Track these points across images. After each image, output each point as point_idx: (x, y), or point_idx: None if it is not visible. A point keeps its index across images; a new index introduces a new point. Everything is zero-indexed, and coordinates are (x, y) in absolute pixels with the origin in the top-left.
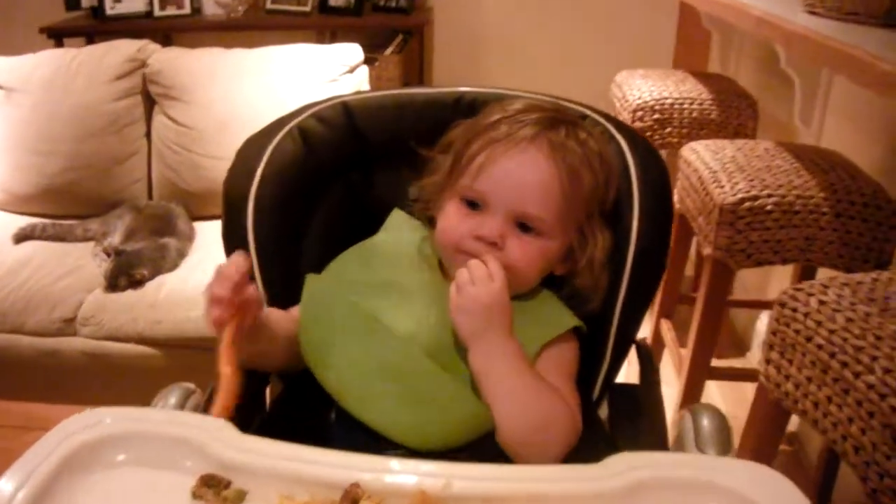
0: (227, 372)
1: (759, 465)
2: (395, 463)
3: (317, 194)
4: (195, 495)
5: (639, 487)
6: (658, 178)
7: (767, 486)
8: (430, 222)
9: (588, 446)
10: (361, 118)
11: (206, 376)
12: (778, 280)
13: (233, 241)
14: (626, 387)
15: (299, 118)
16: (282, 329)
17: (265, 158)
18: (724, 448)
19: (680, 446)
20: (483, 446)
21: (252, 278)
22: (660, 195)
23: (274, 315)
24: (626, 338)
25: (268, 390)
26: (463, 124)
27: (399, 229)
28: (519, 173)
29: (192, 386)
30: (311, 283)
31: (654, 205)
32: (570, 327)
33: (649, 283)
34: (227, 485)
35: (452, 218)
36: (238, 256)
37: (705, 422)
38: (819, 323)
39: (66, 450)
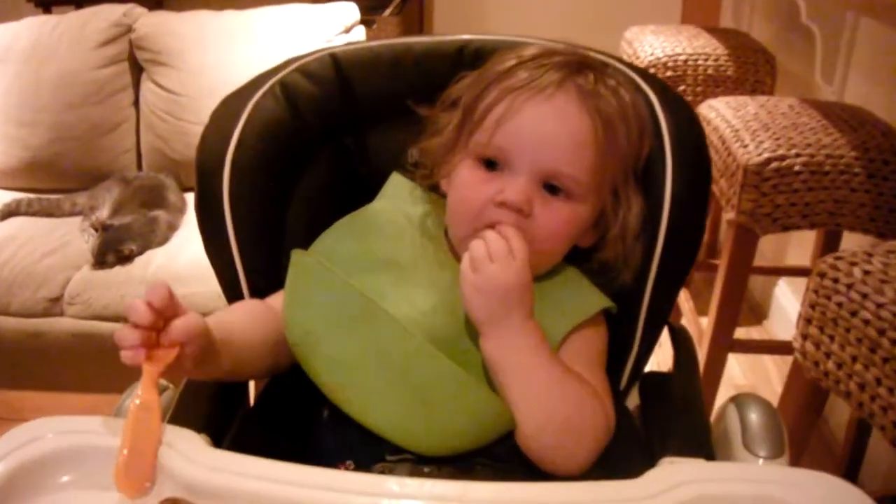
0: (137, 430)
1: (827, 476)
2: (394, 483)
3: (302, 159)
4: None
5: None
6: (692, 135)
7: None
8: (434, 190)
9: (617, 444)
10: (352, 72)
11: None
12: (796, 244)
13: (207, 212)
14: (658, 375)
15: (282, 73)
16: (256, 336)
17: (243, 119)
18: (778, 448)
19: (725, 446)
20: (500, 449)
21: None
22: (695, 154)
23: (244, 320)
24: (659, 318)
25: (251, 383)
26: (470, 76)
27: (398, 197)
28: (546, 125)
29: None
30: (297, 259)
31: (690, 165)
32: (600, 309)
33: (685, 253)
34: None
35: (468, 184)
36: (156, 290)
37: (753, 416)
38: (865, 295)
39: (2, 472)
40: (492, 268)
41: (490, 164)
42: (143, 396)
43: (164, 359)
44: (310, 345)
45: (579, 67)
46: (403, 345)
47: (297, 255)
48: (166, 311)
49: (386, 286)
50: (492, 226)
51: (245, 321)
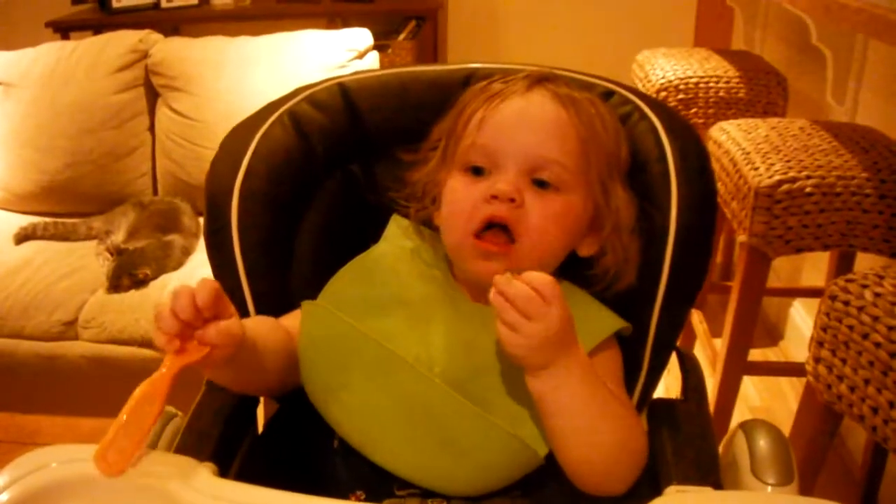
0: (139, 411)
1: None
2: None
3: (311, 188)
4: None
5: None
6: (697, 159)
7: None
8: (429, 225)
9: None
10: (361, 101)
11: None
12: (811, 265)
13: (216, 240)
14: (665, 402)
15: (291, 102)
16: (272, 346)
17: (252, 148)
18: (787, 476)
19: (734, 473)
20: (516, 489)
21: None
22: (700, 178)
23: (262, 329)
24: (667, 343)
25: (260, 410)
26: (446, 116)
27: (400, 238)
28: (526, 117)
29: (171, 409)
30: (308, 309)
31: (695, 189)
32: (615, 330)
33: (692, 278)
34: None
35: (458, 189)
36: (203, 289)
37: (762, 442)
38: (876, 318)
39: (7, 501)
40: (531, 326)
41: (477, 171)
42: (152, 388)
43: (192, 355)
44: (327, 393)
45: (550, 77)
46: (424, 390)
47: (307, 306)
48: (207, 311)
49: (398, 328)
50: (487, 223)
51: (266, 334)
